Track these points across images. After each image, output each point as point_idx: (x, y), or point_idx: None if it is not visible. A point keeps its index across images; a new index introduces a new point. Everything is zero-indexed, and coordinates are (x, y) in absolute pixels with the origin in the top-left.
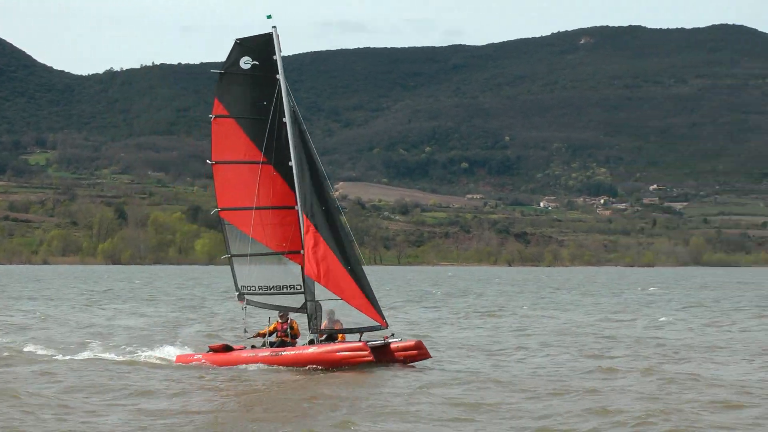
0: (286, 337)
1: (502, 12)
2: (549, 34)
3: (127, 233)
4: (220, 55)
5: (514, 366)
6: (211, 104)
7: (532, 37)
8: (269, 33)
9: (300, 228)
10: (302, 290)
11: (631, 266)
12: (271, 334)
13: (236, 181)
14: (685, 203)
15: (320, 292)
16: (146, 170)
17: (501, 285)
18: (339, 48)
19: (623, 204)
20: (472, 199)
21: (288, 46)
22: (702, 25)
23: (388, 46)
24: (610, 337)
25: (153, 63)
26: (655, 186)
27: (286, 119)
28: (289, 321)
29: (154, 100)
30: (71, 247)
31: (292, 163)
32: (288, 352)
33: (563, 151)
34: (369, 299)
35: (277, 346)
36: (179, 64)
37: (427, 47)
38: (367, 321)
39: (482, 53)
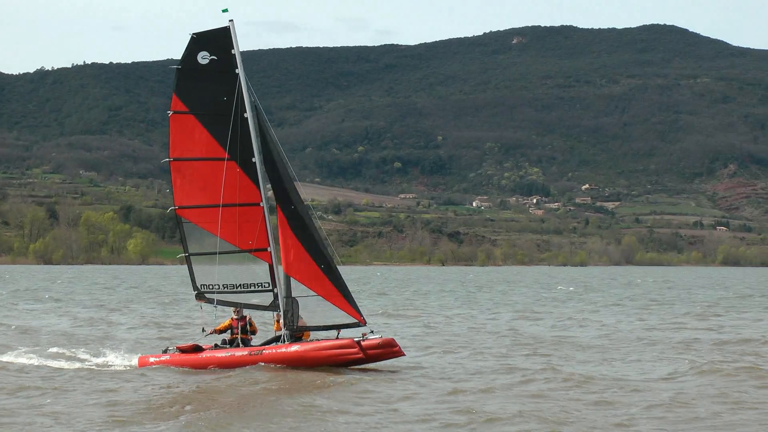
0: (245, 334)
1: (434, 12)
2: (481, 34)
3: (58, 233)
4: (152, 54)
5: (417, 365)
6: (144, 103)
7: (465, 37)
8: (226, 27)
9: (266, 225)
10: (270, 288)
11: (564, 265)
12: (224, 331)
13: (197, 179)
14: (617, 203)
15: (296, 288)
16: (78, 170)
17: (428, 284)
18: (271, 47)
19: (556, 203)
20: (405, 198)
21: None
22: (633, 25)
23: (321, 46)
24: (519, 336)
25: (84, 62)
26: (587, 185)
27: (248, 114)
28: (247, 318)
29: (85, 99)
30: (2, 247)
31: (255, 159)
32: (269, 351)
33: (496, 150)
34: (344, 296)
35: (238, 345)
36: (111, 63)
37: (360, 47)
38: (344, 317)
39: (414, 53)
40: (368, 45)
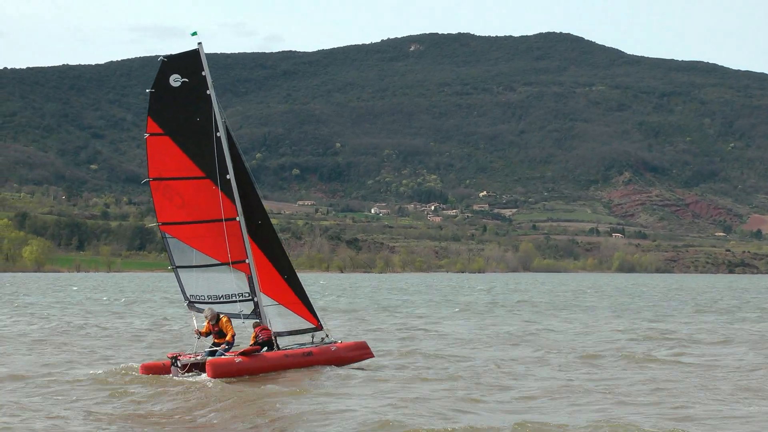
0: (220, 338)
1: (333, 19)
2: (379, 41)
3: None
4: (47, 60)
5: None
6: (39, 109)
7: (362, 44)
8: (195, 49)
9: (243, 238)
10: (250, 297)
11: (462, 272)
12: (208, 334)
13: (175, 197)
14: (514, 209)
15: (264, 300)
16: None
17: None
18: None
19: (453, 210)
20: (304, 205)
21: (102, 53)
22: (530, 33)
23: (211, 52)
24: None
25: None
26: (484, 192)
27: (220, 133)
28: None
29: None
30: None
31: (230, 176)
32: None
33: (394, 157)
34: (303, 302)
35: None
36: (5, 68)
37: (257, 53)
38: (302, 323)
39: (312, 60)
40: (266, 51)
